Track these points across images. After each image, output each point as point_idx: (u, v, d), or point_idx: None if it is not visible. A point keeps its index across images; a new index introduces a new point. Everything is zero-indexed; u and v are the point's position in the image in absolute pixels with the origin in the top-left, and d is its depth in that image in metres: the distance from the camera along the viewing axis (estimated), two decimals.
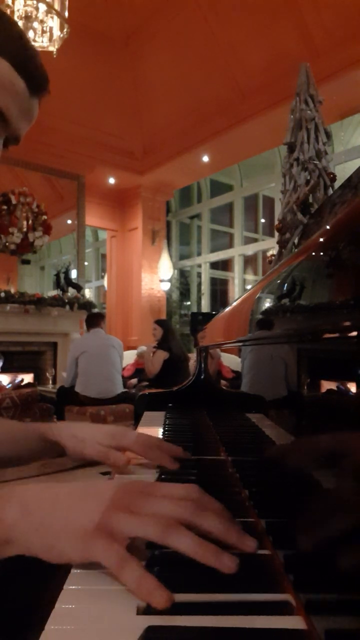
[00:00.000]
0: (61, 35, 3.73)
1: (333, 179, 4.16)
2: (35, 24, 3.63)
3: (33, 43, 3.40)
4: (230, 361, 1.27)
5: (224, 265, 8.85)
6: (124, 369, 4.65)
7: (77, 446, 0.68)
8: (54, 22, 3.70)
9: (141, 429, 1.03)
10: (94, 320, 4.23)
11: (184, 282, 9.00)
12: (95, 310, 6.72)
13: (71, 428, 0.71)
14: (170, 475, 0.61)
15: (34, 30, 3.64)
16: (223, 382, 1.34)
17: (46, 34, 3.70)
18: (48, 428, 0.72)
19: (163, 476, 0.60)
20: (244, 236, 8.00)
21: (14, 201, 5.96)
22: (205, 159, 6.78)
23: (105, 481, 0.44)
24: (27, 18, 3.57)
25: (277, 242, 4.41)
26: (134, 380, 5.05)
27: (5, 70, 0.57)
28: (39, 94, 0.62)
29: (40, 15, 3.62)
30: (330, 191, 4.09)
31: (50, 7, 3.62)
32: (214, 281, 8.79)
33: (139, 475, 0.63)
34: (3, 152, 0.63)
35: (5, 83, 0.57)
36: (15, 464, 0.78)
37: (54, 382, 6.35)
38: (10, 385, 4.55)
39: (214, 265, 8.64)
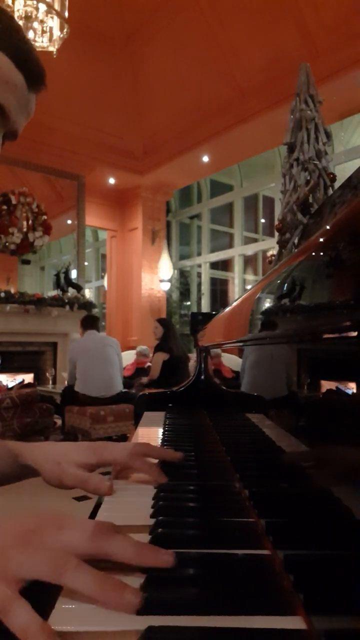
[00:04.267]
0: (61, 35, 3.74)
1: (333, 179, 4.16)
2: (35, 24, 3.63)
3: (33, 43, 3.40)
4: (230, 361, 1.28)
5: (224, 265, 8.85)
6: (124, 368, 4.64)
7: (54, 470, 0.59)
8: (54, 22, 3.71)
9: (141, 429, 1.03)
10: (90, 322, 4.27)
11: (184, 282, 9.00)
12: (95, 310, 6.74)
13: (45, 449, 0.63)
14: (169, 484, 0.58)
15: (34, 30, 3.64)
16: (216, 379, 1.34)
17: (46, 34, 3.70)
18: (23, 450, 0.64)
19: (161, 492, 0.56)
20: (244, 236, 8.00)
21: (14, 201, 5.96)
22: (205, 159, 6.78)
23: (12, 515, 0.39)
24: (27, 18, 3.57)
25: (277, 242, 4.41)
26: (144, 379, 4.93)
27: (5, 65, 0.57)
28: (37, 88, 0.62)
29: (40, 15, 3.62)
30: (330, 191, 4.09)
31: (50, 7, 3.62)
32: (214, 281, 8.79)
33: (136, 487, 0.58)
34: (1, 148, 0.63)
35: (5, 77, 0.57)
36: None
37: (54, 382, 6.35)
38: (12, 385, 4.55)
39: (214, 265, 8.64)
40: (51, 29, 3.71)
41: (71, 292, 6.38)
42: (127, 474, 0.62)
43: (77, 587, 0.32)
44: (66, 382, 4.38)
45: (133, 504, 0.52)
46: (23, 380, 5.22)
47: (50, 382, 6.38)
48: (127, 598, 0.31)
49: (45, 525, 0.36)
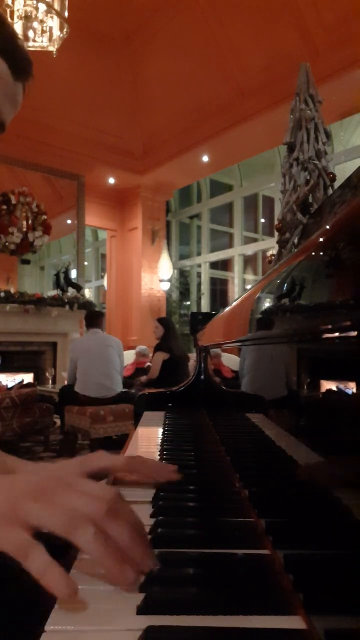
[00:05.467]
0: (61, 35, 3.73)
1: (333, 179, 4.16)
2: (35, 24, 3.63)
3: (33, 43, 3.36)
4: (230, 361, 1.28)
5: (224, 265, 8.85)
6: (124, 368, 4.62)
7: None
8: (54, 22, 3.71)
9: (141, 429, 1.03)
10: (94, 319, 4.20)
11: (184, 282, 9.01)
12: (96, 309, 6.73)
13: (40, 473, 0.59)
14: (169, 487, 0.56)
15: (34, 30, 3.64)
16: (218, 379, 1.34)
17: (46, 34, 3.70)
18: (19, 470, 0.58)
19: (161, 492, 0.55)
20: (244, 236, 8.00)
21: (14, 201, 5.96)
22: (205, 159, 6.78)
23: (29, 470, 0.40)
24: (27, 18, 3.57)
25: (277, 242, 4.41)
26: (144, 378, 4.91)
27: None
28: (23, 78, 0.60)
29: (40, 15, 3.62)
30: (330, 191, 4.09)
31: (50, 7, 3.62)
32: (214, 281, 8.79)
33: (134, 491, 0.56)
34: None
35: None
36: None
37: (54, 382, 6.35)
38: (12, 385, 4.55)
39: (214, 265, 8.64)
40: (51, 29, 3.71)
41: (71, 292, 6.39)
42: (125, 477, 0.60)
43: (85, 547, 0.33)
44: (66, 382, 4.37)
45: (133, 505, 0.52)
46: (23, 380, 5.21)
47: (50, 382, 6.38)
48: (127, 574, 0.33)
49: (67, 484, 0.38)
